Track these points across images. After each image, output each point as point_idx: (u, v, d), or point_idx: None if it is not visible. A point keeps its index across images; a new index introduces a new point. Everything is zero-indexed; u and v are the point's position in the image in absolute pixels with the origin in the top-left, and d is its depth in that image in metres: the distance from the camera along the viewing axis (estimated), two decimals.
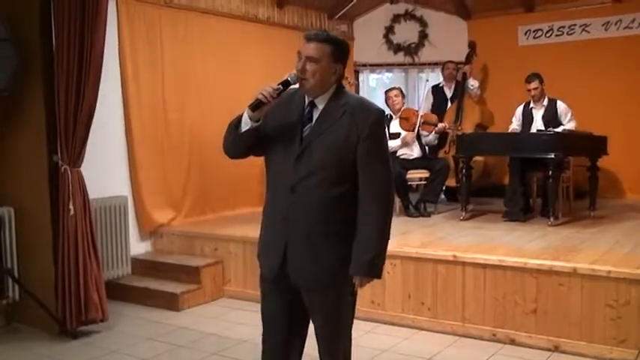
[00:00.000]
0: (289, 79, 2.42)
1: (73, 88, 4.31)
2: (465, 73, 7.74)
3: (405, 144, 6.49)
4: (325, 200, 2.39)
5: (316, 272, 2.44)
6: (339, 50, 2.43)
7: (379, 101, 8.98)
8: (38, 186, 4.54)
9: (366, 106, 2.48)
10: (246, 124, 2.42)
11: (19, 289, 4.66)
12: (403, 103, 6.73)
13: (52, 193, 4.48)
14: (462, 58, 7.94)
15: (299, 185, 2.39)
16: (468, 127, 7.34)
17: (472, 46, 7.90)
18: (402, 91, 6.83)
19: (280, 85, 2.40)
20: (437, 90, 7.91)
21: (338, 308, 2.53)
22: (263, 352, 2.64)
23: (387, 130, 6.55)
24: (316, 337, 2.59)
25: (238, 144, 2.49)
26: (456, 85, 7.82)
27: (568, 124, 6.10)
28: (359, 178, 2.40)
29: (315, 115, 2.45)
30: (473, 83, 7.77)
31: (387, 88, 7.13)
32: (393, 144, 6.50)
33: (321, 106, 2.44)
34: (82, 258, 4.42)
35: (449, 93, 7.84)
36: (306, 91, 2.44)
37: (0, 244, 4.53)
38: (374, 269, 2.44)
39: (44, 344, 4.36)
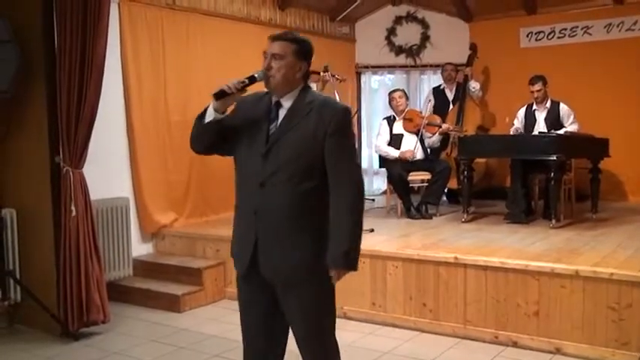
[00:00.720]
0: (256, 75, 2.49)
1: (75, 90, 4.32)
2: (466, 75, 7.74)
3: (404, 160, 6.44)
4: (295, 195, 2.44)
5: (288, 267, 2.46)
6: (303, 48, 2.51)
7: (382, 103, 9.03)
8: (40, 187, 4.55)
9: (332, 104, 2.56)
10: (210, 115, 2.49)
11: (20, 291, 4.67)
12: (407, 105, 6.73)
13: (54, 194, 4.49)
14: (464, 60, 7.94)
15: (268, 181, 2.44)
16: (469, 129, 7.34)
17: (473, 48, 7.91)
18: (405, 93, 6.83)
19: (246, 79, 2.47)
20: (438, 92, 7.90)
21: (314, 303, 2.52)
22: (244, 355, 2.68)
23: (389, 129, 6.60)
24: (296, 340, 2.58)
25: (202, 136, 2.55)
26: (457, 87, 7.82)
27: (570, 127, 6.10)
28: (328, 174, 2.46)
29: (282, 114, 2.50)
30: (474, 85, 7.77)
31: (390, 89, 7.13)
32: (392, 152, 6.49)
33: (287, 105, 2.51)
34: (84, 259, 4.42)
35: (450, 95, 7.84)
36: (273, 87, 2.49)
37: (2, 245, 4.53)
38: (350, 261, 2.46)
39: (46, 345, 4.36)
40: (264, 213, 2.46)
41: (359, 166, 2.53)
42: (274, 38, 2.50)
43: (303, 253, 2.46)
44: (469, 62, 7.85)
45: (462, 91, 7.73)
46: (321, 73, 5.78)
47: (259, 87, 2.55)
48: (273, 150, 2.45)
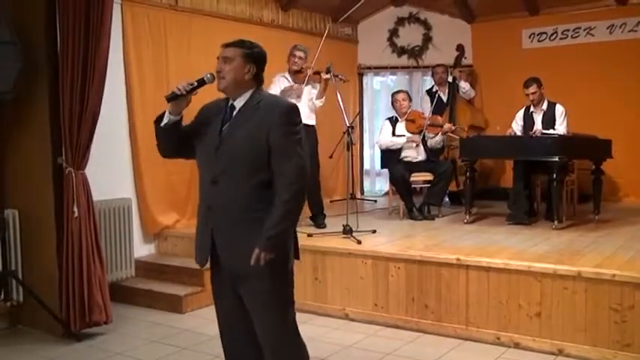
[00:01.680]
0: (205, 78, 2.70)
1: (78, 91, 4.32)
2: (454, 77, 7.74)
3: (411, 141, 6.47)
4: (245, 188, 2.59)
5: (242, 259, 2.57)
6: (251, 51, 2.68)
7: (384, 104, 9.03)
8: (42, 188, 4.56)
9: (278, 101, 2.79)
10: (165, 118, 2.70)
11: (23, 291, 4.67)
12: (410, 107, 6.72)
13: (56, 195, 4.49)
14: (466, 62, 7.94)
15: (220, 176, 2.61)
16: (458, 130, 7.26)
17: (460, 49, 7.89)
18: (408, 95, 6.83)
19: (195, 82, 2.67)
20: (432, 94, 7.89)
21: (269, 293, 2.63)
22: (223, 349, 2.87)
23: (391, 129, 6.59)
24: (257, 332, 2.70)
25: (162, 139, 2.75)
26: (449, 89, 7.80)
27: (559, 128, 6.06)
28: (272, 167, 2.58)
29: (234, 115, 2.68)
30: (464, 86, 7.80)
31: (393, 91, 7.11)
32: (398, 140, 6.49)
33: (239, 106, 2.68)
34: (86, 260, 4.43)
35: (444, 97, 7.78)
36: (222, 89, 2.68)
37: (4, 246, 4.54)
38: (269, 244, 2.53)
39: (48, 346, 4.37)
40: (217, 208, 2.63)
41: (303, 161, 2.61)
42: (226, 45, 2.70)
43: (254, 245, 2.55)
44: (456, 63, 7.84)
45: (452, 91, 7.73)
46: (322, 75, 5.78)
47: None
48: (223, 147, 2.62)
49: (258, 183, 2.58)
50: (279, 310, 2.68)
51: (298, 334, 2.77)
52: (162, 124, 2.70)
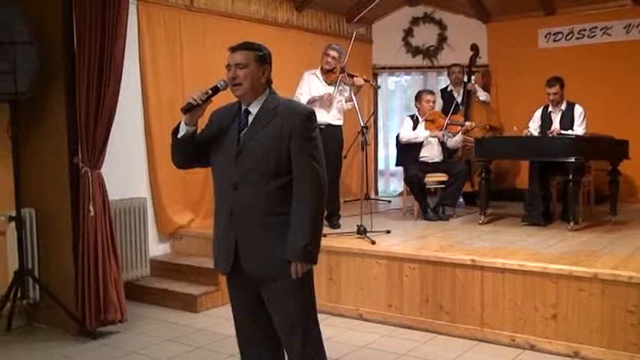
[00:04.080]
0: (219, 85, 2.66)
1: (94, 91, 4.35)
2: (469, 91, 7.69)
3: (434, 136, 6.45)
4: (267, 193, 2.58)
5: (267, 263, 2.60)
6: (263, 54, 2.67)
7: (398, 104, 9.01)
8: (59, 187, 4.59)
9: (296, 106, 2.75)
10: (182, 129, 2.66)
11: (39, 290, 4.72)
12: (433, 108, 6.69)
13: (72, 194, 4.53)
14: (481, 62, 7.90)
15: (241, 182, 2.59)
16: (476, 130, 7.22)
17: (475, 49, 7.85)
18: (434, 97, 6.83)
19: (210, 90, 2.63)
20: (446, 93, 7.85)
21: (293, 297, 2.63)
22: (240, 351, 2.84)
23: (412, 126, 6.57)
24: (280, 335, 2.71)
25: (179, 150, 2.72)
26: (464, 89, 7.77)
27: (577, 129, 6.02)
28: (293, 172, 2.59)
29: (250, 120, 2.65)
30: (481, 96, 7.75)
31: (420, 89, 7.09)
32: (421, 134, 6.46)
33: (254, 111, 2.65)
34: (102, 259, 4.46)
35: (458, 97, 7.74)
36: (241, 96, 2.65)
37: (21, 244, 4.58)
38: (308, 255, 2.57)
39: (64, 344, 4.40)
40: (240, 213, 2.61)
41: (322, 166, 2.62)
42: (234, 49, 2.67)
43: (280, 249, 2.57)
44: (471, 63, 7.80)
45: (466, 91, 7.70)
46: (356, 79, 5.78)
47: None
48: (243, 153, 2.60)
49: (280, 187, 2.58)
50: (304, 310, 2.68)
51: (321, 340, 2.76)
52: (179, 136, 2.67)
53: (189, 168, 2.94)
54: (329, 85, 5.85)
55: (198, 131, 2.72)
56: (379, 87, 6.44)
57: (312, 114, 2.68)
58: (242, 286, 2.72)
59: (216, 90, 2.64)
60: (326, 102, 5.69)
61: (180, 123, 2.67)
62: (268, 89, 2.69)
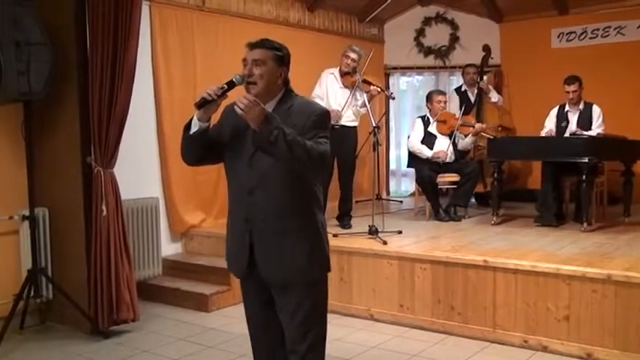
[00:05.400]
0: (234, 80, 2.51)
1: (107, 91, 4.38)
2: (481, 89, 7.65)
3: (436, 157, 6.38)
4: (282, 197, 2.50)
5: (284, 269, 2.54)
6: (283, 54, 2.57)
7: (410, 104, 8.99)
8: (72, 187, 4.62)
9: (310, 105, 2.63)
10: (195, 125, 2.53)
11: (52, 288, 4.75)
12: (444, 108, 6.67)
13: (85, 194, 4.56)
14: (494, 62, 7.87)
15: (256, 187, 2.51)
16: (489, 130, 7.19)
17: (487, 49, 7.81)
18: (446, 97, 6.82)
19: (225, 85, 2.49)
20: (459, 93, 7.83)
21: (305, 305, 2.58)
22: (253, 354, 2.81)
23: (423, 127, 6.54)
24: (286, 335, 2.65)
25: (190, 147, 2.60)
26: (477, 89, 7.74)
27: (596, 129, 5.98)
28: None
29: None
30: (493, 97, 7.70)
31: (431, 90, 7.06)
32: (425, 152, 6.43)
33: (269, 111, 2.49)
34: (114, 258, 4.48)
35: (472, 97, 7.72)
36: (256, 94, 2.48)
37: (34, 243, 4.61)
38: (267, 119, 2.34)
39: (76, 343, 4.43)
40: (255, 220, 2.53)
41: (327, 151, 2.47)
42: (253, 45, 2.54)
43: (295, 255, 2.53)
44: (483, 63, 7.77)
45: (479, 92, 7.67)
46: (372, 88, 5.82)
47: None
48: (257, 155, 2.48)
49: (296, 191, 2.52)
50: (314, 320, 2.63)
51: (325, 343, 2.72)
52: (191, 132, 2.54)
53: (198, 165, 2.78)
54: (345, 87, 5.88)
55: (211, 126, 2.60)
56: (394, 98, 6.42)
57: (327, 114, 2.60)
58: (256, 288, 2.67)
59: (231, 85, 2.49)
60: (334, 118, 5.71)
61: (192, 118, 2.54)
62: (285, 89, 2.59)
